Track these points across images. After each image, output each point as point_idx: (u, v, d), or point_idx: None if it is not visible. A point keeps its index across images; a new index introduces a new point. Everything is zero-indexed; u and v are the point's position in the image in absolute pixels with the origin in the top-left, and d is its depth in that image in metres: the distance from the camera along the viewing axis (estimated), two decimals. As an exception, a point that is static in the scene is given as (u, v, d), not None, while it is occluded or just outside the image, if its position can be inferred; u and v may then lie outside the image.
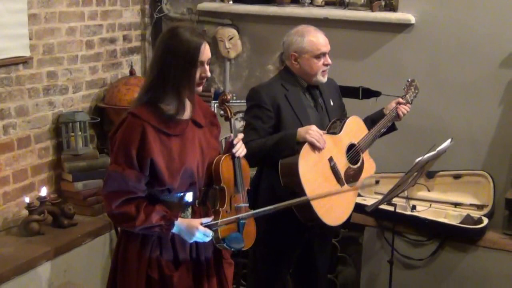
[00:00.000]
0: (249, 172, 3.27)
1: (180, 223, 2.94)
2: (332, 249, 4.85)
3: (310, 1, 5.17)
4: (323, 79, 3.70)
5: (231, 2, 5.36)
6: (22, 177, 4.48)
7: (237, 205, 3.14)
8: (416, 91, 4.06)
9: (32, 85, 4.49)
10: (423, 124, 4.73)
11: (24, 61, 4.40)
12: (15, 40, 4.30)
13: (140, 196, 2.89)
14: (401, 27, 4.79)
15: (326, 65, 3.67)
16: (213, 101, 5.19)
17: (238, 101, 5.22)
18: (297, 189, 3.41)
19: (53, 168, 4.75)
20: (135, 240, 2.98)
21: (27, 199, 4.35)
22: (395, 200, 4.12)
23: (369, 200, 4.65)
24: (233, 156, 3.12)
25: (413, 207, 4.60)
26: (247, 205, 3.19)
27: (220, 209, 3.07)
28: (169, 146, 2.92)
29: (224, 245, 3.04)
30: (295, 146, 3.46)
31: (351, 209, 3.71)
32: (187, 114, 3.01)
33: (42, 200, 4.36)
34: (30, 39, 4.43)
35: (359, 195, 4.81)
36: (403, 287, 4.53)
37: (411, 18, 4.72)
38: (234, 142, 3.12)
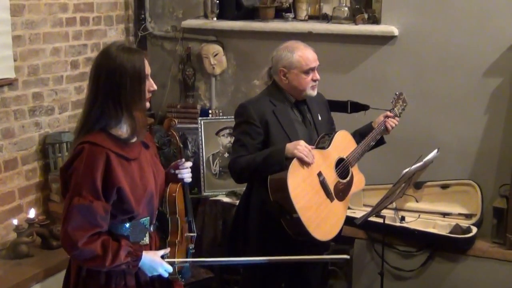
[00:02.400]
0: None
1: (144, 257, 2.85)
2: (322, 263, 4.86)
3: (293, 16, 5.19)
4: (313, 92, 3.71)
5: (215, 19, 5.37)
6: (9, 199, 4.46)
7: (187, 235, 3.14)
8: (404, 104, 4.06)
9: (18, 107, 4.48)
10: (409, 135, 4.75)
11: (9, 83, 4.39)
12: (0, 62, 4.29)
13: (104, 230, 2.75)
14: (385, 39, 4.82)
15: (315, 80, 3.69)
16: (200, 118, 5.19)
17: (224, 117, 5.24)
18: (287, 204, 3.41)
19: (40, 190, 4.73)
20: (98, 275, 2.84)
21: (15, 222, 4.33)
22: (384, 212, 4.13)
23: (358, 213, 4.66)
24: (183, 185, 3.10)
25: (402, 218, 4.61)
26: (195, 234, 3.19)
27: (176, 240, 3.05)
28: (131, 171, 2.81)
29: (179, 277, 3.03)
30: (283, 161, 3.45)
31: (341, 223, 3.71)
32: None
33: (30, 222, 4.33)
34: (15, 60, 4.42)
35: (348, 207, 4.83)
36: (395, 299, 4.54)
37: (394, 30, 4.75)
38: (182, 169, 3.10)
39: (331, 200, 3.61)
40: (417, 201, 4.69)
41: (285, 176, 3.40)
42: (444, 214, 4.63)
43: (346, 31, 4.89)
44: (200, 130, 5.11)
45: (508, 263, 4.31)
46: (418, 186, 4.68)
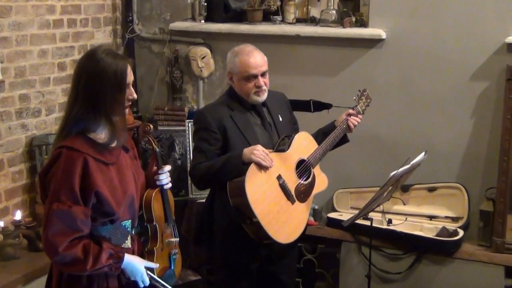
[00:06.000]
0: (173, 203, 3.25)
1: (126, 259, 2.84)
2: (309, 265, 4.87)
3: (281, 19, 5.19)
4: (258, 98, 3.65)
5: (202, 21, 5.36)
6: (-5, 201, 4.44)
7: (168, 240, 3.14)
8: (368, 100, 4.05)
9: (5, 109, 4.46)
10: (396, 138, 4.76)
11: (-4, 85, 4.38)
12: (-14, 64, 4.28)
13: (85, 234, 2.74)
14: (372, 42, 4.83)
15: (258, 86, 3.61)
16: (187, 120, 5.18)
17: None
18: (246, 209, 3.39)
19: (27, 192, 4.70)
20: (80, 278, 2.83)
21: (1, 223, 4.30)
22: (371, 214, 4.13)
23: (345, 215, 4.67)
24: (161, 190, 3.10)
25: (389, 221, 4.62)
26: (178, 239, 3.20)
27: (154, 248, 3.06)
28: (109, 175, 2.80)
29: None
30: (241, 167, 3.43)
31: (303, 224, 3.69)
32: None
33: (16, 224, 4.31)
34: (2, 62, 4.39)
35: (336, 210, 4.85)
36: (382, 301, 4.55)
37: (381, 33, 4.76)
38: (160, 176, 3.09)
39: (292, 202, 3.59)
40: (404, 204, 4.70)
41: (243, 181, 3.38)
42: (431, 217, 4.64)
43: (334, 34, 4.89)
44: (187, 132, 5.10)
45: (494, 265, 4.33)
46: (405, 189, 4.70)
